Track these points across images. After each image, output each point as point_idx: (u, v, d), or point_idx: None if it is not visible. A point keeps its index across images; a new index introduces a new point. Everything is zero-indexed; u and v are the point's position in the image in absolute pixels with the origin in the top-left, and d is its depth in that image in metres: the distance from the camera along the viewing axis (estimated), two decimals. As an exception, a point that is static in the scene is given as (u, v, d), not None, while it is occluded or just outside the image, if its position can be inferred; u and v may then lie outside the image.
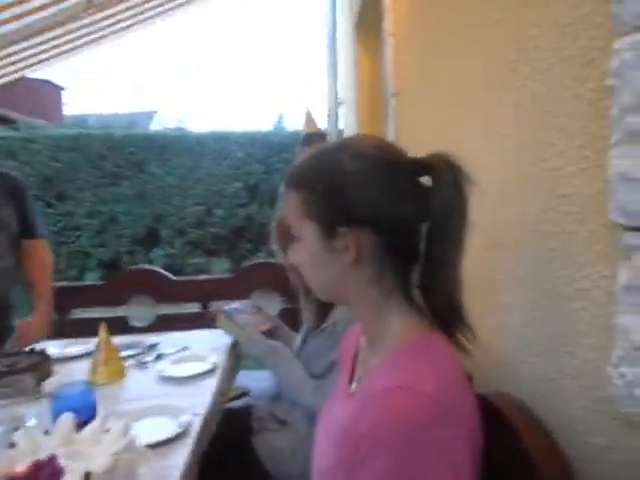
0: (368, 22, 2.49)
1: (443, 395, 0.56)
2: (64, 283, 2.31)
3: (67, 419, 0.86)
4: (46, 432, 0.88)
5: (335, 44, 3.92)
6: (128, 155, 6.44)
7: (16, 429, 0.96)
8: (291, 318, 1.77)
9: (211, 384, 1.31)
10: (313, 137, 2.59)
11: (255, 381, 1.99)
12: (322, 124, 4.12)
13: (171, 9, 2.96)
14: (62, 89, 14.17)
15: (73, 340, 1.78)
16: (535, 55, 0.70)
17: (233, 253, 6.98)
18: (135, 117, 15.95)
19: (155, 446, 0.94)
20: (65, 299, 2.38)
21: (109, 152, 6.57)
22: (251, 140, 6.98)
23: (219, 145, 6.90)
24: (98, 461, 0.71)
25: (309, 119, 2.77)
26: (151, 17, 2.90)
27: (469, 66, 0.96)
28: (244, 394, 1.93)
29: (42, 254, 1.90)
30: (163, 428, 1.04)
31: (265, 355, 1.47)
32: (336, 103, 3.95)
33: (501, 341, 0.87)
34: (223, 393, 1.39)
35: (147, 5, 2.68)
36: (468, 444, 0.57)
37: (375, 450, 0.54)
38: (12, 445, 0.85)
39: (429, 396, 0.55)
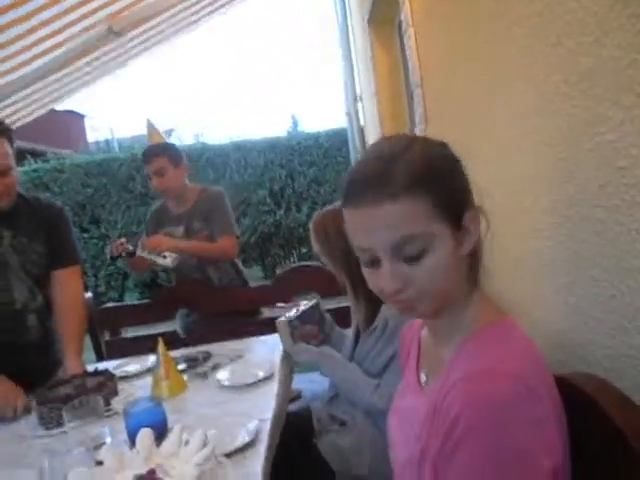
0: (381, 16, 2.49)
1: (526, 374, 0.57)
2: (111, 304, 2.38)
3: (147, 434, 0.89)
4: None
5: (348, 41, 3.92)
6: (154, 174, 6.60)
7: (97, 447, 1.00)
8: (334, 318, 1.78)
9: (272, 389, 1.33)
10: (159, 147, 2.21)
11: (307, 383, 2.02)
12: (340, 122, 4.07)
13: (181, 29, 3.00)
14: (84, 117, 14.64)
15: (128, 359, 1.84)
16: (581, 28, 0.69)
17: (265, 260, 7.05)
18: (153, 137, 16.26)
19: (230, 455, 0.97)
20: (114, 320, 2.46)
21: (136, 173, 6.74)
22: (271, 146, 7.04)
23: (240, 154, 6.98)
24: (186, 473, 0.73)
25: (151, 129, 2.34)
26: (166, 37, 2.96)
27: (506, 47, 0.95)
28: (298, 396, 1.96)
29: (71, 284, 1.72)
30: (233, 436, 1.06)
31: (318, 362, 1.49)
32: (355, 100, 3.95)
33: (566, 322, 0.86)
34: (284, 397, 1.41)
35: (159, 28, 2.73)
36: (558, 420, 0.57)
37: (469, 433, 0.54)
38: (99, 463, 0.88)
39: (514, 376, 0.56)
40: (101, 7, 2.22)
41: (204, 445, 0.85)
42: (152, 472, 0.71)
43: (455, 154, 0.65)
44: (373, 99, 3.14)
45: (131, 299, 6.46)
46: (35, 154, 6.74)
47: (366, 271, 0.65)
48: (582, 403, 0.62)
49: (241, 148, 7.04)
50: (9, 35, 2.04)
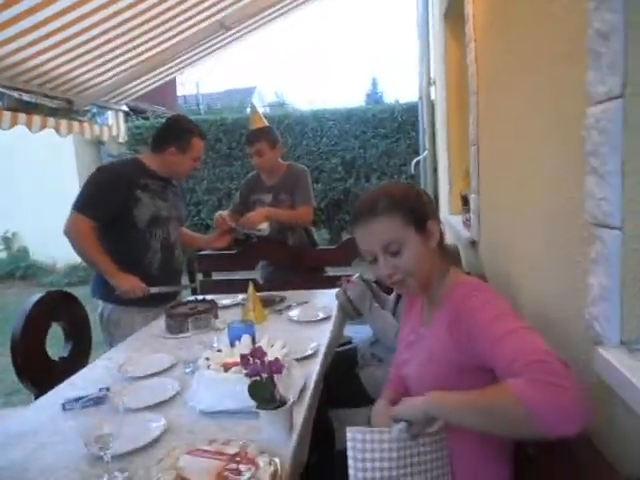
0: (456, 14, 2.72)
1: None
2: (205, 252, 2.96)
3: (247, 338, 1.40)
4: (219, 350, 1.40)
5: (427, 24, 4.12)
6: (239, 137, 7.18)
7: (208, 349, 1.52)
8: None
9: (328, 326, 1.82)
10: (260, 132, 2.64)
11: (357, 332, 2.49)
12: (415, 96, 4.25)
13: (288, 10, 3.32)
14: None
15: (219, 295, 2.38)
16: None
17: (332, 224, 7.54)
18: (236, 93, 16.95)
19: (298, 360, 1.46)
20: (207, 265, 3.05)
21: (223, 135, 7.39)
22: (346, 117, 7.36)
23: (317, 123, 7.38)
24: (275, 354, 1.21)
25: (255, 115, 2.79)
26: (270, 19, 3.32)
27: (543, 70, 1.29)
28: (349, 342, 2.44)
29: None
30: (299, 350, 1.55)
31: (365, 315, 1.94)
32: (428, 83, 4.18)
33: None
34: (336, 335, 1.89)
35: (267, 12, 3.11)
36: None
37: (470, 310, 0.95)
38: (207, 359, 1.38)
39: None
40: (214, 4, 2.68)
41: (283, 348, 1.34)
42: (254, 351, 1.19)
43: (417, 188, 1.10)
44: (443, 91, 3.39)
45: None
46: (137, 111, 7.52)
47: (369, 264, 1.09)
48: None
49: (319, 118, 7.43)
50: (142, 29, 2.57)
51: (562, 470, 0.90)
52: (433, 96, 4.15)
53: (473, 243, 2.27)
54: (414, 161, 4.76)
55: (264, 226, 2.54)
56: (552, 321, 1.18)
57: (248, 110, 10.46)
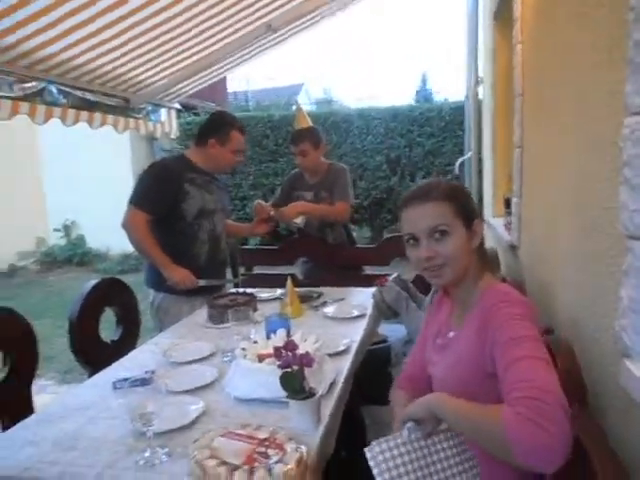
0: (506, 14, 2.67)
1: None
2: (249, 246, 3.06)
3: (282, 332, 1.46)
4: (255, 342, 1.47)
5: (477, 23, 4.05)
6: (285, 134, 7.30)
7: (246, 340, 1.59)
8: (422, 282, 2.21)
9: (362, 324, 1.87)
10: (305, 132, 2.71)
11: (392, 332, 2.52)
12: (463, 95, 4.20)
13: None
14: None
15: (259, 289, 2.47)
16: None
17: (374, 222, 7.53)
18: (285, 90, 17.15)
19: (330, 355, 1.51)
20: (250, 259, 3.16)
21: (270, 132, 7.53)
22: (393, 115, 7.32)
23: (362, 121, 7.38)
24: (308, 347, 1.27)
25: (300, 115, 2.86)
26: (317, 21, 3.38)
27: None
28: (384, 341, 2.47)
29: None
30: (332, 346, 1.60)
31: (402, 315, 1.97)
32: (476, 82, 4.11)
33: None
34: (369, 333, 1.93)
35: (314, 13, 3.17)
36: None
37: (497, 322, 0.96)
38: (244, 349, 1.45)
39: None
40: (262, 7, 2.77)
41: (315, 342, 1.40)
42: (287, 344, 1.25)
43: (469, 191, 1.14)
44: (490, 91, 3.33)
45: (254, 242, 7.42)
46: (188, 108, 7.79)
47: (409, 248, 1.11)
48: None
49: (365, 116, 7.43)
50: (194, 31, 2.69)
51: None
52: (480, 96, 4.08)
53: (513, 247, 2.24)
54: (458, 161, 4.70)
55: (299, 220, 2.61)
56: (583, 332, 1.17)
57: (294, 108, 10.63)
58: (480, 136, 4.02)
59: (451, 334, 1.17)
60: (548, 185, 1.58)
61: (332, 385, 1.36)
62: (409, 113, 7.36)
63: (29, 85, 2.32)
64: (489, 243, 2.96)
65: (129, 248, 2.55)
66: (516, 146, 2.15)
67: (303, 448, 1.01)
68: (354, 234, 3.15)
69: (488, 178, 3.70)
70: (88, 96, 2.74)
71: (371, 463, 0.91)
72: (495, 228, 2.79)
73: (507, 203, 2.57)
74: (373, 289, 2.19)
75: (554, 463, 0.74)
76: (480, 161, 4.08)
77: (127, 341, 2.08)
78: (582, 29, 1.17)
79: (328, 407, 1.24)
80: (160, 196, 2.17)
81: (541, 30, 1.69)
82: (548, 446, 0.74)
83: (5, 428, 1.38)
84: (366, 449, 0.92)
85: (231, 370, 1.41)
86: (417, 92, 18.46)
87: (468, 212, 1.09)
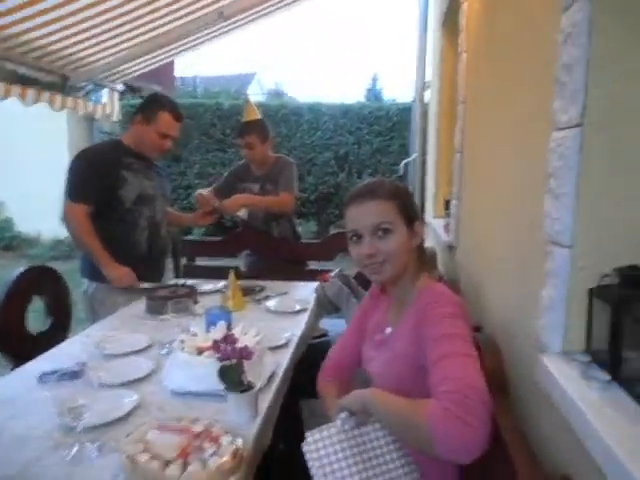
0: (452, 25, 2.77)
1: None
2: (191, 237, 3.00)
3: (222, 325, 1.45)
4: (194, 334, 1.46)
5: (426, 28, 4.17)
6: (234, 123, 7.18)
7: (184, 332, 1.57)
8: (364, 277, 2.26)
9: (304, 318, 1.88)
10: (252, 125, 2.70)
11: (332, 326, 2.56)
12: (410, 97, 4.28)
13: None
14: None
15: (200, 280, 2.43)
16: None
17: (320, 217, 7.60)
18: (235, 79, 16.81)
19: (271, 348, 1.52)
20: (192, 249, 3.09)
21: (218, 121, 7.37)
22: (343, 112, 7.40)
23: (313, 116, 7.41)
24: (248, 341, 1.27)
25: (249, 107, 2.86)
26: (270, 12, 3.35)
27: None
28: (324, 335, 2.51)
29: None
30: (273, 339, 1.61)
31: (343, 310, 2.01)
32: (422, 86, 4.24)
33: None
34: (310, 327, 1.95)
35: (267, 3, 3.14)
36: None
37: (429, 320, 1.00)
38: (182, 341, 1.43)
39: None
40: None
41: (256, 336, 1.40)
42: (227, 337, 1.25)
43: (412, 192, 1.17)
44: (436, 96, 3.45)
45: (198, 233, 7.25)
46: (132, 89, 7.46)
47: (352, 244, 1.14)
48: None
49: (315, 110, 7.45)
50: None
51: (500, 469, 0.97)
52: (427, 99, 4.21)
53: (451, 248, 2.35)
54: (403, 162, 4.83)
55: (242, 212, 2.61)
56: (510, 330, 1.25)
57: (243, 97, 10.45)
58: (425, 139, 4.16)
59: (388, 330, 1.21)
60: (485, 190, 1.67)
61: (271, 378, 1.37)
62: (359, 111, 7.46)
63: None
64: (429, 243, 3.09)
65: (62, 233, 2.44)
66: (457, 151, 2.25)
67: (239, 441, 1.01)
68: (300, 228, 3.17)
69: (430, 180, 3.83)
70: (22, 70, 2.57)
71: (307, 456, 0.94)
72: (435, 228, 2.91)
73: (447, 204, 2.68)
74: (316, 284, 2.22)
75: (473, 454, 0.79)
76: (424, 163, 4.21)
77: (56, 333, 1.97)
78: (520, 48, 1.24)
79: (266, 400, 1.25)
80: (96, 185, 2.07)
81: (483, 41, 1.77)
82: (470, 440, 0.79)
83: None
84: (303, 445, 0.94)
85: (168, 362, 1.38)
86: (368, 90, 18.75)
87: (410, 212, 1.13)
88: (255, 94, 14.23)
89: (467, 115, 2.10)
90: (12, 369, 1.61)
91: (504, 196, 1.38)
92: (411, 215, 1.13)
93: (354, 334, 1.34)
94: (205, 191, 2.73)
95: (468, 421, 0.79)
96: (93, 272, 2.12)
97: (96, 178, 2.07)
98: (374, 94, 17.39)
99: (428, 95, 4.21)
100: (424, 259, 1.18)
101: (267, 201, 2.69)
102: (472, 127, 1.99)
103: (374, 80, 20.00)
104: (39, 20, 2.28)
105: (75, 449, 1.03)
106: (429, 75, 4.18)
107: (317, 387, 1.32)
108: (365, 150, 7.38)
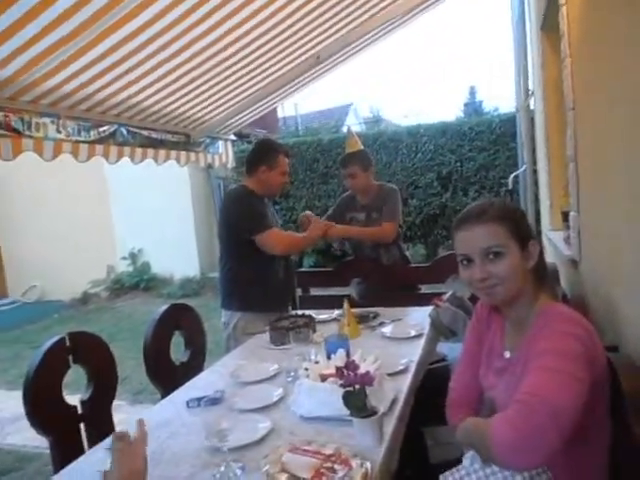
0: (553, 26, 2.65)
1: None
2: (304, 269, 3.15)
3: (342, 352, 1.52)
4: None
5: (525, 35, 4.01)
6: (335, 156, 7.45)
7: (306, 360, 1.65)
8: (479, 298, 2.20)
9: (420, 343, 1.88)
10: (354, 156, 2.81)
11: (451, 350, 2.50)
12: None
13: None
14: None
15: (316, 311, 2.53)
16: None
17: (428, 239, 7.46)
18: (333, 112, 17.41)
19: (390, 374, 1.55)
20: (306, 280, 3.25)
21: (320, 155, 7.72)
22: (442, 131, 7.28)
23: (411, 139, 7.39)
24: (367, 367, 1.32)
25: (351, 138, 2.93)
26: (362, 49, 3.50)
27: None
28: (443, 359, 2.46)
29: None
30: (390, 366, 1.64)
31: (460, 335, 1.97)
32: (527, 95, 4.05)
33: None
34: (428, 352, 1.94)
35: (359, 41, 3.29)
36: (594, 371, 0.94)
37: (542, 336, 0.98)
38: (306, 369, 1.51)
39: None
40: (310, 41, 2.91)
41: (374, 362, 1.44)
42: (348, 363, 1.31)
43: (523, 211, 1.17)
44: (541, 104, 3.29)
45: (308, 262, 7.54)
46: (242, 136, 8.14)
47: (462, 268, 1.13)
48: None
49: (413, 133, 7.43)
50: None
51: None
52: (532, 107, 4.01)
53: (574, 262, 2.19)
54: (512, 175, 4.60)
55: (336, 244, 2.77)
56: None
57: (344, 129, 10.79)
58: (534, 148, 3.94)
59: (507, 354, 1.17)
60: (607, 198, 1.56)
61: (393, 404, 1.39)
62: (458, 128, 7.28)
63: (103, 129, 2.58)
64: (548, 257, 2.89)
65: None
66: (570, 160, 2.12)
67: (368, 464, 1.05)
68: (408, 252, 3.17)
69: (544, 191, 3.61)
70: (154, 135, 2.98)
71: None
72: (554, 242, 2.73)
73: (565, 216, 2.51)
74: (429, 308, 2.20)
75: (531, 464, 0.81)
76: (535, 173, 3.99)
77: (194, 363, 2.20)
78: (634, 52, 1.17)
79: (389, 425, 1.27)
80: (266, 213, 2.47)
81: (590, 46, 1.68)
82: (521, 449, 0.80)
83: (92, 444, 1.52)
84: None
85: (295, 389, 1.48)
86: (465, 105, 18.25)
87: (523, 233, 1.10)
88: (353, 124, 14.60)
89: (579, 121, 1.98)
90: (162, 395, 1.83)
91: (631, 201, 1.28)
92: (524, 235, 1.09)
93: (471, 364, 1.30)
94: (309, 213, 2.87)
95: (521, 429, 0.80)
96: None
97: (261, 209, 2.47)
98: (473, 107, 16.87)
99: (532, 103, 4.02)
100: (544, 280, 1.13)
101: (364, 232, 2.78)
102: (586, 134, 1.87)
103: (472, 93, 19.44)
104: (165, 92, 2.65)
105: (222, 468, 1.15)
106: (532, 82, 4.00)
107: (450, 423, 1.29)
108: (469, 167, 7.14)
